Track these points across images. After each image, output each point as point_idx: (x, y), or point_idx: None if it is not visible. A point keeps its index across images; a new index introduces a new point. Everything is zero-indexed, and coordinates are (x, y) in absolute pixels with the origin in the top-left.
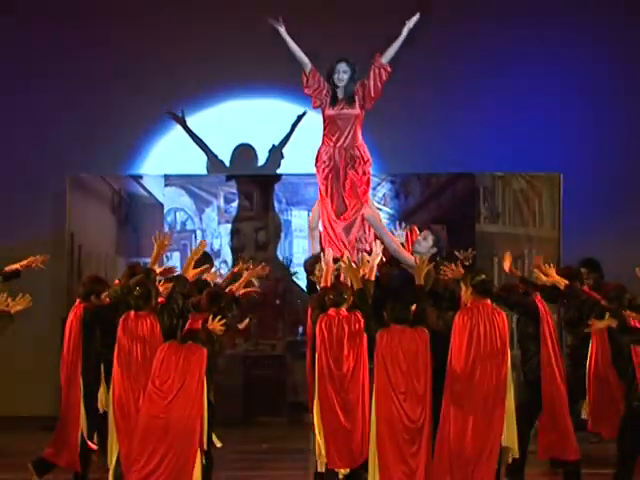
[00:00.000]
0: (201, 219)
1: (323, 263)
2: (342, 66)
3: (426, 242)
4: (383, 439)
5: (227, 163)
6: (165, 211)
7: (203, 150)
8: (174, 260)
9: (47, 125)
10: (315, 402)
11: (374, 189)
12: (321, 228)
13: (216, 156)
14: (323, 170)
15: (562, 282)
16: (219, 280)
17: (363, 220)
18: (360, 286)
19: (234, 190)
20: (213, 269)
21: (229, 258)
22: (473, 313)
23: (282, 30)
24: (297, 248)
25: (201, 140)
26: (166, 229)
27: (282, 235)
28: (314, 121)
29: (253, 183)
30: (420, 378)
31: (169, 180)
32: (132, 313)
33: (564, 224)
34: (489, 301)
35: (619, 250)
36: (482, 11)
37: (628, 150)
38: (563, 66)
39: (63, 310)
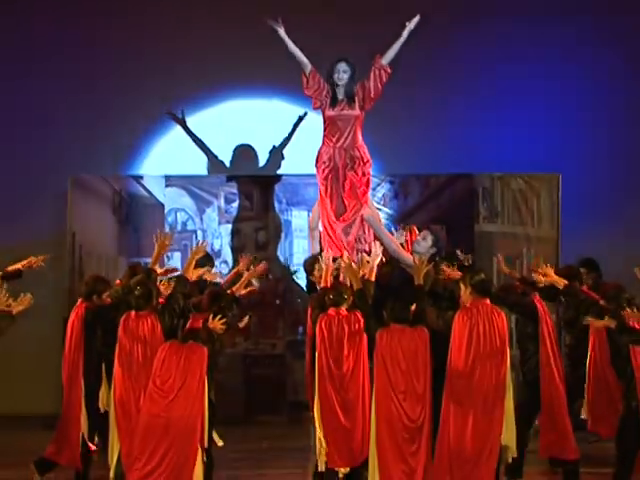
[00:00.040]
0: (202, 219)
1: (322, 263)
2: (342, 66)
3: (425, 242)
4: (383, 438)
5: (227, 164)
6: (166, 211)
7: (203, 151)
8: (175, 260)
9: (48, 125)
10: (315, 401)
11: (374, 189)
12: (321, 228)
13: (216, 157)
14: (323, 170)
15: (561, 282)
16: (219, 280)
17: (362, 221)
18: (360, 286)
19: (234, 190)
20: (214, 269)
21: (229, 258)
22: (473, 313)
23: (281, 31)
24: (297, 248)
25: (201, 141)
26: (167, 229)
27: (282, 235)
28: (314, 122)
29: (253, 183)
30: (420, 377)
31: (170, 180)
32: (133, 313)
33: (562, 224)
34: (488, 301)
35: (617, 250)
36: (482, 11)
37: (626, 151)
38: (562, 66)
39: (64, 310)
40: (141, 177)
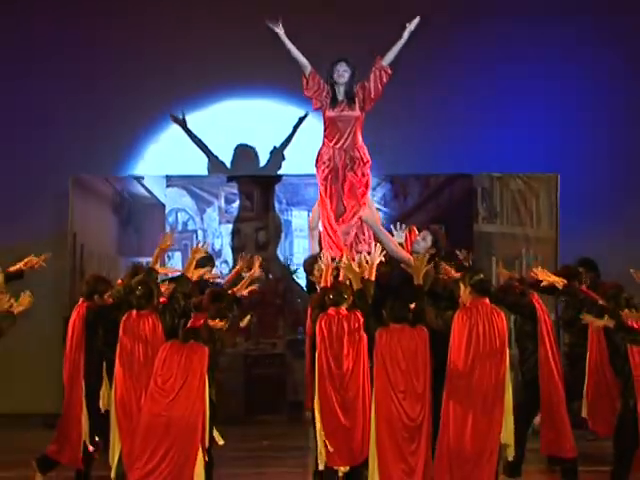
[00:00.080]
0: (202, 219)
1: (322, 263)
2: (342, 65)
3: (425, 242)
4: (382, 437)
5: (228, 164)
6: (167, 211)
7: (204, 151)
8: (175, 260)
9: (49, 126)
10: (315, 400)
11: (373, 189)
12: (321, 228)
13: (217, 157)
14: (323, 171)
15: (560, 282)
16: (220, 280)
17: (362, 221)
18: (360, 286)
19: (235, 190)
20: (214, 269)
21: (230, 258)
22: (472, 312)
23: (281, 33)
24: (297, 248)
25: (202, 141)
26: (167, 229)
27: (282, 235)
28: (314, 123)
29: (254, 184)
30: (419, 377)
31: (171, 181)
32: (134, 312)
33: (561, 224)
34: (487, 300)
35: (616, 250)
36: (481, 11)
37: (625, 151)
38: (562, 67)
39: (65, 309)
40: (142, 177)
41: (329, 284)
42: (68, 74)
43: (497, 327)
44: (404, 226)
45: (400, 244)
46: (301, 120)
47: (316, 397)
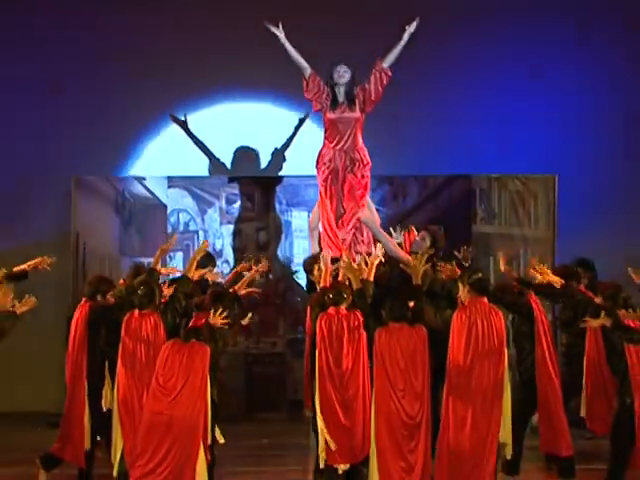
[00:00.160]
0: (203, 220)
1: (322, 263)
2: (342, 67)
3: (424, 243)
4: (382, 435)
5: (229, 165)
6: (168, 212)
7: (205, 152)
8: (177, 260)
9: (52, 127)
10: (316, 399)
11: (373, 190)
12: (321, 229)
13: (218, 158)
14: (323, 172)
15: (558, 281)
16: (221, 280)
17: (360, 222)
18: (359, 285)
19: (236, 191)
20: (215, 269)
21: (231, 258)
22: (471, 312)
23: (281, 35)
24: (297, 248)
25: (203, 143)
26: (169, 230)
27: (283, 235)
28: (315, 124)
29: (254, 185)
30: (418, 375)
31: (172, 182)
32: (136, 312)
33: (559, 225)
34: (486, 299)
35: (613, 250)
36: (481, 11)
37: (623, 152)
38: (562, 67)
39: (68, 309)
40: (144, 178)
41: (329, 284)
42: (69, 74)
43: (495, 326)
44: (399, 229)
45: (399, 244)
46: (301, 122)
47: (316, 396)
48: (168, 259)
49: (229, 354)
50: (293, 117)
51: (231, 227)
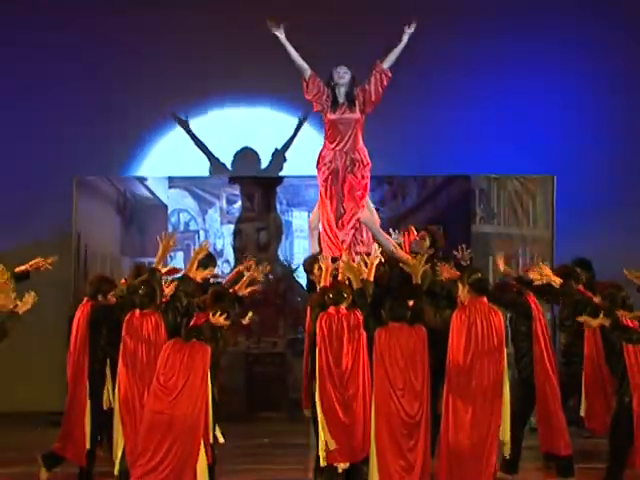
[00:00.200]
0: (204, 220)
1: (322, 263)
2: (342, 68)
3: (423, 243)
4: (382, 434)
5: (229, 165)
6: (169, 212)
7: (206, 153)
8: (178, 260)
9: (53, 127)
10: (317, 398)
11: (372, 191)
12: (321, 229)
13: (218, 159)
14: (323, 172)
15: (557, 281)
16: (221, 280)
17: (360, 223)
18: (359, 285)
19: (236, 192)
20: (216, 269)
21: (231, 258)
22: (470, 311)
23: (282, 37)
24: (297, 248)
25: (203, 143)
26: (170, 230)
27: (283, 235)
28: (315, 125)
29: (255, 185)
30: (418, 375)
31: (173, 182)
32: (137, 312)
33: (557, 225)
34: (485, 299)
35: (612, 250)
36: (481, 12)
37: (621, 152)
38: (561, 67)
39: (69, 309)
40: (145, 179)
41: (329, 284)
42: (71, 75)
43: (495, 326)
44: (398, 231)
45: (398, 244)
46: (301, 123)
47: (317, 395)
48: (169, 259)
49: (230, 354)
50: (293, 121)
51: (232, 227)
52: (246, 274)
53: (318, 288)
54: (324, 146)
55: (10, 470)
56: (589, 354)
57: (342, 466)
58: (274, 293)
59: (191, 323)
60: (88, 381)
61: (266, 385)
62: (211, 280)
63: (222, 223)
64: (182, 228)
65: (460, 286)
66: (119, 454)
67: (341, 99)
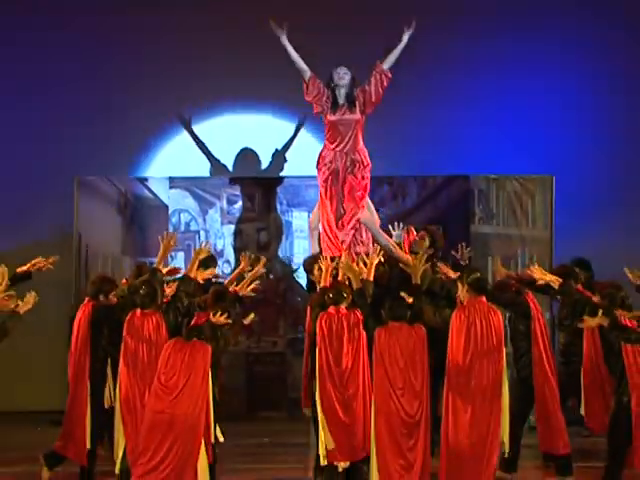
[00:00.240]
0: (205, 220)
1: (322, 263)
2: (342, 69)
3: (423, 243)
4: (381, 433)
5: (230, 166)
6: (170, 212)
7: (206, 153)
8: (178, 260)
9: (54, 127)
10: (317, 398)
11: (372, 191)
12: (321, 229)
13: (219, 159)
14: (324, 173)
15: (556, 281)
16: (222, 280)
17: (360, 223)
18: (359, 285)
19: (237, 192)
20: (217, 269)
21: (232, 258)
22: (470, 311)
23: (283, 37)
24: (298, 248)
25: (204, 144)
26: (171, 230)
27: (283, 236)
28: (315, 125)
29: (255, 185)
30: (417, 374)
31: (174, 182)
32: (138, 312)
33: (556, 225)
34: (484, 299)
35: (611, 250)
36: (481, 12)
37: (620, 152)
38: (561, 68)
39: (70, 309)
40: (146, 179)
41: (329, 284)
42: (71, 75)
43: (494, 325)
44: (402, 225)
45: (398, 244)
46: (301, 123)
47: (317, 394)
48: (170, 259)
49: (230, 353)
50: (293, 121)
51: (232, 227)
52: (247, 275)
53: (318, 288)
54: (324, 147)
55: (12, 469)
56: (588, 354)
57: (342, 465)
58: (274, 293)
59: (192, 323)
60: (89, 381)
61: (266, 384)
62: (212, 280)
63: (223, 223)
64: (183, 228)
65: (459, 286)
66: (120, 453)
67: (341, 100)
